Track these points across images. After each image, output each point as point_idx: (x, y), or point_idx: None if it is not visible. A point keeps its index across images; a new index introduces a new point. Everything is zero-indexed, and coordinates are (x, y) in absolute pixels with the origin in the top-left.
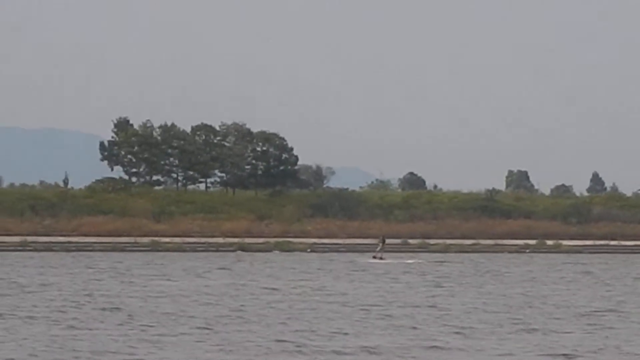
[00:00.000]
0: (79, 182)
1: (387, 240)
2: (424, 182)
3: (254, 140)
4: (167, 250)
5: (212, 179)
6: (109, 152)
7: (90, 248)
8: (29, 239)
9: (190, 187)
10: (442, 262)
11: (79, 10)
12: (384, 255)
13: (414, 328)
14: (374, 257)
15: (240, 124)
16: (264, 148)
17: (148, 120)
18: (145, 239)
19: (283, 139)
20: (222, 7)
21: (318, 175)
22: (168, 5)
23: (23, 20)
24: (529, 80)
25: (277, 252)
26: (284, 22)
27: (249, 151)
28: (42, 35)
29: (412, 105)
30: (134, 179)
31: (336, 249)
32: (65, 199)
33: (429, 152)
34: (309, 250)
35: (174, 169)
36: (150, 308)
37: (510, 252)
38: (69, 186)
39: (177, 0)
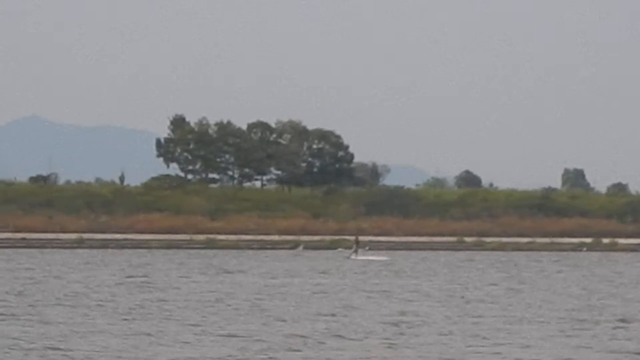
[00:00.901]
0: (135, 179)
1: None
2: (479, 180)
3: (310, 138)
4: (223, 247)
5: (267, 177)
6: (165, 150)
7: (145, 245)
8: (85, 236)
9: (246, 184)
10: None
11: (131, 5)
12: (358, 254)
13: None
14: (347, 257)
15: (296, 121)
16: (320, 146)
17: (204, 117)
18: (201, 237)
19: (339, 136)
20: (283, 3)
21: (374, 173)
22: (226, 2)
23: (70, 19)
24: (589, 79)
25: (341, 249)
26: (344, 22)
27: (304, 149)
28: (97, 33)
29: (468, 104)
30: (189, 177)
31: (392, 247)
32: (121, 196)
33: (485, 150)
34: (367, 248)
35: (230, 166)
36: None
37: (565, 250)
38: (125, 183)
39: None
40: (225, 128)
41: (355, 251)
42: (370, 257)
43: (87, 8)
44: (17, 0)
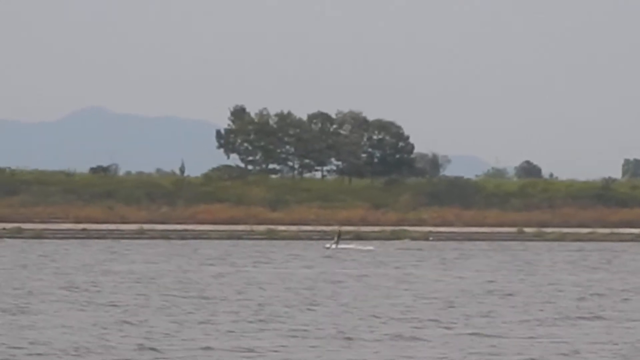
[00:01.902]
0: (195, 170)
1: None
2: (539, 170)
3: (370, 129)
4: (283, 238)
5: (328, 167)
6: (225, 140)
7: (206, 236)
8: (146, 226)
9: (306, 175)
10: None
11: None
12: (338, 244)
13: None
14: (328, 247)
15: (357, 112)
16: (380, 136)
17: (264, 108)
18: (261, 227)
19: (399, 127)
20: None
21: (434, 163)
22: None
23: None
24: None
25: (407, 240)
26: (405, 14)
27: (365, 139)
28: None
29: (528, 94)
30: (250, 167)
31: (453, 237)
32: (181, 187)
33: (545, 141)
34: (431, 238)
35: (290, 157)
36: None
37: (625, 240)
38: (185, 174)
39: None
40: (285, 119)
41: (336, 242)
42: (351, 247)
43: None
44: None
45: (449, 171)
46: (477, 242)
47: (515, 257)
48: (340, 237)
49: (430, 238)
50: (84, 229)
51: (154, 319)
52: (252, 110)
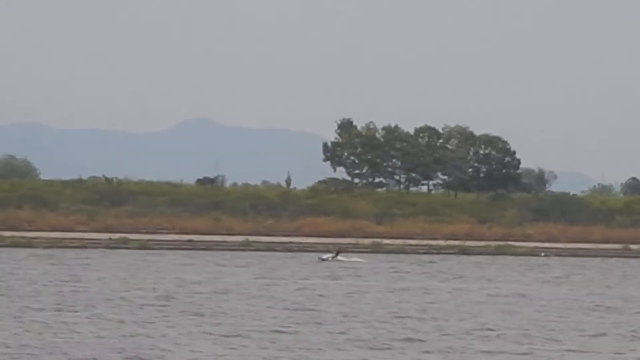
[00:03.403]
0: (302, 182)
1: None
2: None
3: (477, 143)
4: (388, 252)
5: (434, 182)
6: (332, 153)
7: (311, 249)
8: (251, 238)
9: (412, 189)
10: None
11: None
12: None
13: None
14: (324, 259)
15: (463, 126)
16: (487, 151)
17: (371, 121)
18: (367, 241)
19: (506, 142)
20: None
21: (540, 179)
22: (393, 8)
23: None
24: None
25: (543, 254)
26: (510, 28)
27: (471, 154)
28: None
29: (634, 112)
30: (356, 180)
31: (558, 253)
32: (287, 200)
33: None
34: (543, 254)
35: (397, 170)
36: None
37: None
38: (292, 186)
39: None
40: (392, 132)
41: (334, 256)
42: (343, 259)
43: (256, 10)
44: (183, 6)
45: (554, 187)
46: (582, 258)
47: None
48: (338, 253)
49: (543, 254)
50: (189, 240)
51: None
52: (359, 124)
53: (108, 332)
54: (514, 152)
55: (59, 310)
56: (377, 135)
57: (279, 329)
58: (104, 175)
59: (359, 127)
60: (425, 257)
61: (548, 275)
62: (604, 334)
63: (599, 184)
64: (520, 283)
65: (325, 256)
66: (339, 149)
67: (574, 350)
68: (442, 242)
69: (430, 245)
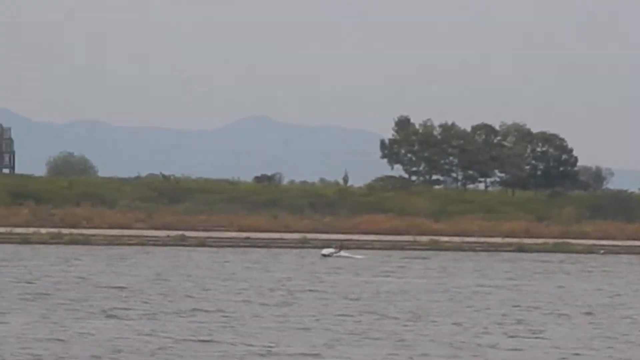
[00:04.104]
0: (359, 180)
1: None
2: None
3: (534, 141)
4: (446, 249)
5: (491, 179)
6: (389, 151)
7: (369, 246)
8: (309, 236)
9: (470, 186)
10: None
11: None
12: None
13: None
14: (326, 255)
15: (521, 124)
16: (544, 149)
17: (429, 119)
18: (424, 238)
19: (563, 139)
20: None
21: (597, 176)
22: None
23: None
24: None
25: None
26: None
27: (528, 151)
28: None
29: None
30: (413, 178)
31: (616, 251)
32: (344, 197)
33: None
34: (602, 252)
35: (454, 168)
36: None
37: None
38: (349, 184)
39: None
40: (449, 130)
41: (337, 252)
42: (345, 255)
43: (315, 9)
44: (242, 5)
45: (611, 184)
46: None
47: None
48: (342, 248)
49: (602, 251)
50: (247, 238)
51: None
52: (417, 121)
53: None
54: (571, 150)
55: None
56: (435, 132)
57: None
58: (161, 173)
59: (416, 125)
60: (484, 254)
61: None
62: None
63: None
64: None
65: (327, 252)
66: (396, 146)
67: None
68: (499, 240)
69: (488, 243)
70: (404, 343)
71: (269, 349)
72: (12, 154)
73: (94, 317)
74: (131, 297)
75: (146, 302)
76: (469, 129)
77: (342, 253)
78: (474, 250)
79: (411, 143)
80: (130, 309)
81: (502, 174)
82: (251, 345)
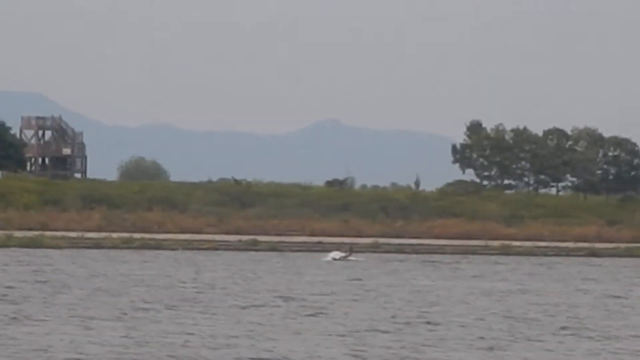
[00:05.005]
0: (431, 184)
1: None
2: None
3: (606, 145)
4: (518, 254)
5: (563, 184)
6: (461, 155)
7: (441, 251)
8: (381, 240)
9: (541, 191)
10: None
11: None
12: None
13: None
14: (336, 259)
15: (592, 128)
16: (616, 153)
17: (500, 123)
18: (496, 243)
19: (635, 144)
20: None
21: None
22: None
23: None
24: None
25: None
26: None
27: (600, 156)
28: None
29: None
30: (485, 182)
31: None
32: (416, 201)
33: None
34: None
35: (526, 172)
36: None
37: None
38: (421, 188)
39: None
40: (521, 134)
41: (347, 255)
42: (354, 259)
43: (382, 14)
44: (310, 7)
45: None
46: None
47: None
48: (352, 251)
49: None
50: (319, 242)
51: None
52: (488, 126)
53: None
54: None
55: None
56: (506, 137)
57: None
58: (233, 177)
59: (488, 129)
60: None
61: None
62: None
63: None
64: None
65: (338, 256)
66: (468, 150)
67: None
68: (570, 244)
69: (559, 248)
70: None
71: None
72: (84, 158)
73: None
74: None
75: None
76: (540, 134)
77: (352, 257)
78: (546, 255)
79: (483, 148)
80: None
81: (574, 179)
82: None
